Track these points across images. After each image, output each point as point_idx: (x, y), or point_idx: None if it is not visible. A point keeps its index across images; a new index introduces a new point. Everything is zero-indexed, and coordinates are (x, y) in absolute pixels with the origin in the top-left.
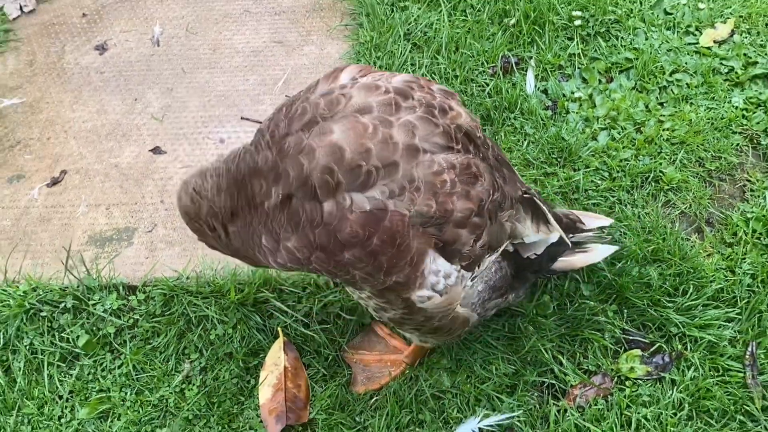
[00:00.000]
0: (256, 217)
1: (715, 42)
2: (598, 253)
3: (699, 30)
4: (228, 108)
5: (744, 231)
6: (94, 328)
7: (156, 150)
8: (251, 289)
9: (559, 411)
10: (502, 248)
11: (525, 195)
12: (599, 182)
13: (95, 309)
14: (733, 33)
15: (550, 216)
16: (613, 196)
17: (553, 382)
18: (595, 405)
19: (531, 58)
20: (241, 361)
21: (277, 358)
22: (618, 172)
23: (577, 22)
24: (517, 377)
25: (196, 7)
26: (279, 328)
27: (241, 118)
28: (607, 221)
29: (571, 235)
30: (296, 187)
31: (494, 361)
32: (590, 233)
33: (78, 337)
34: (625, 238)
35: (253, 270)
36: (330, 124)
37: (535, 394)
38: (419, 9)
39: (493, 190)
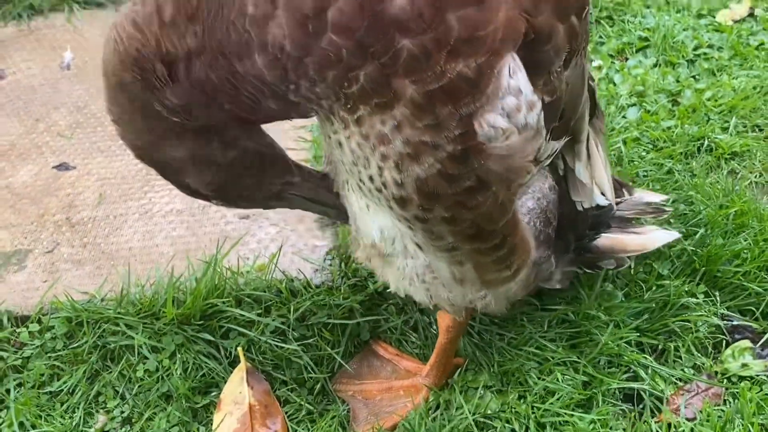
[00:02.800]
0: None
1: (734, 21)
2: (656, 236)
3: (711, 13)
4: None
5: None
6: None
7: (62, 166)
8: (196, 299)
9: (662, 427)
10: (563, 141)
11: (590, 82)
12: (643, 153)
13: None
14: (752, 11)
15: (598, 146)
16: (666, 165)
17: (643, 388)
18: (711, 415)
19: None
20: (184, 402)
21: (237, 394)
22: (664, 141)
23: None
24: (593, 388)
25: None
26: (239, 350)
27: None
28: (659, 197)
29: (618, 201)
30: None
31: (556, 370)
32: (642, 203)
33: None
34: (694, 207)
35: (197, 277)
36: None
37: (621, 407)
38: None
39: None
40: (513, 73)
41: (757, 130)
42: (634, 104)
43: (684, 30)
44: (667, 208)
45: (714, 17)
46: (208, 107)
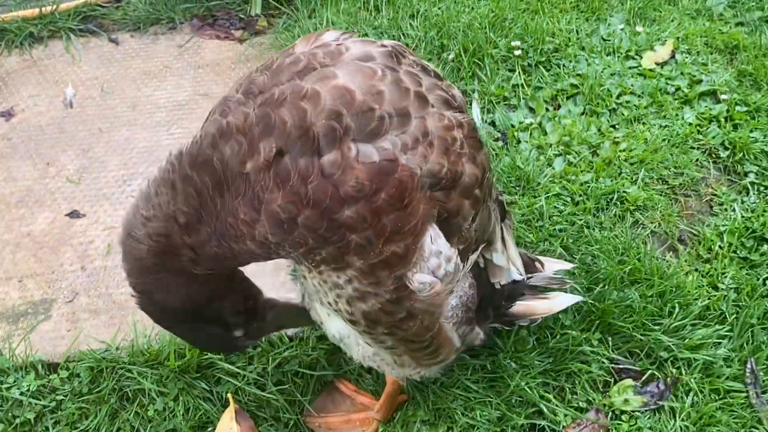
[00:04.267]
0: (228, 196)
1: (657, 64)
2: (561, 301)
3: (639, 54)
4: (152, 164)
5: (719, 245)
6: (10, 416)
7: (73, 214)
8: (193, 353)
9: None
10: (479, 250)
11: (499, 197)
12: (562, 207)
13: (10, 393)
14: (673, 54)
15: (510, 239)
16: (579, 220)
17: (544, 423)
18: None
19: (474, 91)
20: None
21: (228, 430)
22: (580, 195)
23: (517, 53)
24: (505, 422)
25: (111, 67)
26: (229, 395)
27: None
28: (567, 265)
29: (529, 276)
30: (295, 137)
31: (477, 407)
32: (549, 276)
33: None
34: (598, 261)
35: None
36: (332, 69)
37: None
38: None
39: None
40: (434, 240)
41: (661, 182)
42: (561, 154)
43: (611, 75)
44: (568, 280)
45: (641, 58)
46: (217, 264)
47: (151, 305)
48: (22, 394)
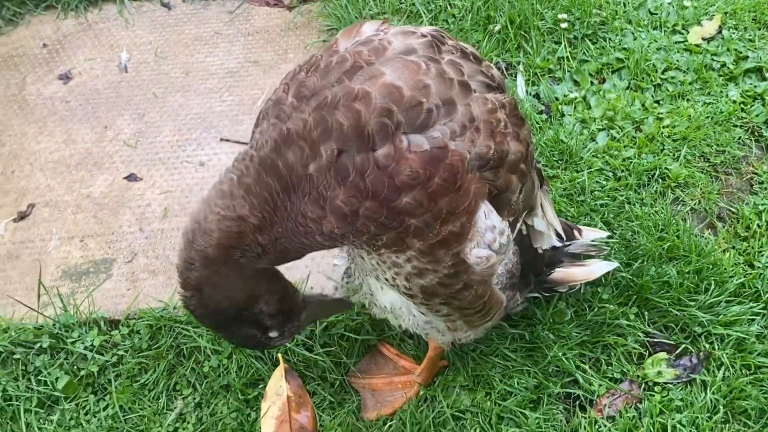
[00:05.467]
0: (296, 197)
1: (703, 39)
2: (598, 268)
3: (686, 28)
4: (205, 130)
5: (757, 224)
6: (75, 369)
7: (131, 177)
8: None
9: (589, 423)
10: (523, 217)
11: (536, 164)
12: (604, 182)
13: (75, 347)
14: (720, 29)
15: (548, 204)
16: (620, 196)
17: (579, 392)
18: (627, 414)
19: (519, 63)
20: (239, 393)
21: (278, 387)
22: (622, 171)
23: (563, 25)
24: (541, 390)
25: (164, 32)
26: (279, 355)
27: (221, 139)
28: (604, 233)
29: (567, 243)
30: (353, 137)
31: (514, 375)
32: (587, 243)
33: (57, 379)
34: (638, 237)
35: None
36: (378, 68)
37: (561, 406)
38: (399, 21)
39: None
40: (488, 216)
41: (703, 159)
42: (604, 129)
43: (657, 50)
44: (605, 247)
45: (687, 32)
46: (283, 257)
47: (197, 303)
48: (86, 348)
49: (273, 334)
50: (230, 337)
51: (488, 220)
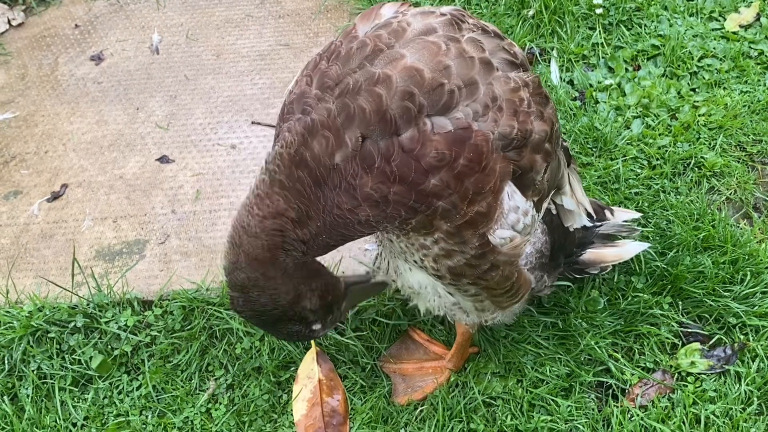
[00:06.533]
0: (327, 189)
1: (740, 26)
2: (629, 249)
3: (722, 15)
4: (237, 113)
5: None
6: (108, 348)
7: (163, 159)
8: None
9: (621, 412)
10: (550, 197)
11: (563, 143)
12: (639, 171)
13: (109, 327)
14: (758, 16)
15: (576, 182)
16: (655, 185)
17: (611, 381)
18: (659, 403)
19: (553, 48)
20: (271, 376)
21: (310, 371)
22: (657, 159)
23: (599, 11)
24: (573, 378)
25: (195, 13)
26: None
27: (252, 122)
28: (636, 214)
29: (599, 223)
30: (375, 121)
31: (546, 362)
32: (618, 224)
33: (91, 358)
34: (673, 226)
35: None
36: (398, 51)
37: (593, 395)
38: (431, 4)
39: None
40: (511, 196)
41: (739, 149)
42: (639, 116)
43: (694, 37)
44: (636, 228)
45: (724, 20)
46: (326, 251)
47: (244, 304)
48: (119, 328)
49: (316, 326)
50: (277, 334)
51: (511, 200)
